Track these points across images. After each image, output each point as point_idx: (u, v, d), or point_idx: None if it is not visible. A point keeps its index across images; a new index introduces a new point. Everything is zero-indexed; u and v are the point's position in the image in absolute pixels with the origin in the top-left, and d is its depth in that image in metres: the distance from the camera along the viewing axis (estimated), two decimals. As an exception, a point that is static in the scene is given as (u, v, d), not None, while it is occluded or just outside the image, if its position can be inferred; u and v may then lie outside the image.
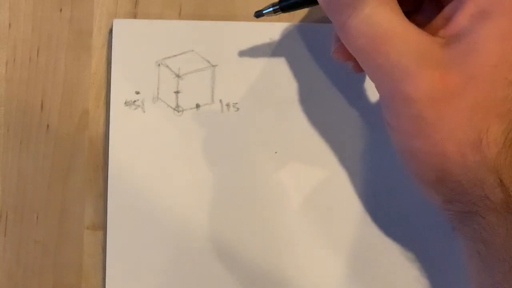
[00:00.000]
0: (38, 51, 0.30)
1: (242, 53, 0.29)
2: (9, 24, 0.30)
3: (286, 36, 0.29)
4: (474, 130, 0.20)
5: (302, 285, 0.29)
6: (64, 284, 0.30)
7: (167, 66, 0.29)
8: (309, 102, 0.29)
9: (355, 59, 0.23)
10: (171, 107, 0.29)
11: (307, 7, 0.25)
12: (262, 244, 0.29)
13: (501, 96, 0.20)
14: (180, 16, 0.30)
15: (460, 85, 0.20)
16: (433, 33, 0.22)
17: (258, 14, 0.26)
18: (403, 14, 0.22)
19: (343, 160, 0.29)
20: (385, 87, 0.22)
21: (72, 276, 0.30)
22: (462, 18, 0.21)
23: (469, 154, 0.21)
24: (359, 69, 0.24)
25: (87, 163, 0.30)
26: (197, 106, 0.29)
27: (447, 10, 0.22)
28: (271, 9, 0.26)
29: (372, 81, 0.23)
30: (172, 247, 0.29)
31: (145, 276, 0.29)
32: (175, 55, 0.29)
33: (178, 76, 0.29)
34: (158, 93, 0.29)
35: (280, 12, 0.26)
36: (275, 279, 0.29)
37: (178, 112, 0.29)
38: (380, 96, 0.23)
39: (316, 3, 0.24)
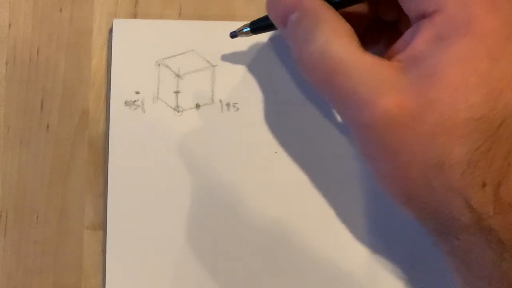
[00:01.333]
0: (38, 51, 0.30)
1: (242, 53, 0.29)
2: (9, 24, 0.30)
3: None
4: (437, 153, 0.20)
5: (301, 285, 0.29)
6: (64, 284, 0.30)
7: (167, 66, 0.29)
8: (309, 102, 0.29)
9: None
10: (171, 107, 0.29)
11: (276, 29, 0.25)
12: (262, 244, 0.29)
13: (463, 119, 0.20)
14: (180, 16, 0.30)
15: (418, 109, 0.20)
16: (393, 56, 0.22)
17: (233, 35, 0.27)
18: (358, 45, 0.22)
19: (344, 160, 0.29)
20: (345, 116, 0.23)
21: (72, 276, 0.30)
22: (420, 42, 0.21)
23: (433, 177, 0.20)
24: None
25: (87, 163, 0.30)
26: (197, 106, 0.29)
27: (407, 33, 0.22)
28: (243, 30, 0.27)
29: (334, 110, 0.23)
30: (172, 247, 0.29)
31: (145, 276, 0.29)
32: (175, 55, 0.29)
33: (178, 76, 0.29)
34: (158, 93, 0.29)
35: (251, 34, 0.27)
36: (275, 280, 0.29)
37: (178, 112, 0.29)
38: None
39: None
